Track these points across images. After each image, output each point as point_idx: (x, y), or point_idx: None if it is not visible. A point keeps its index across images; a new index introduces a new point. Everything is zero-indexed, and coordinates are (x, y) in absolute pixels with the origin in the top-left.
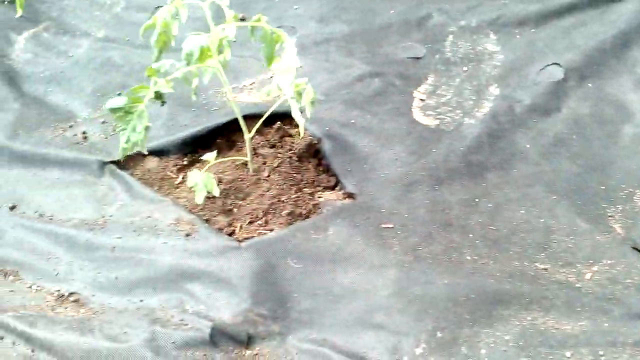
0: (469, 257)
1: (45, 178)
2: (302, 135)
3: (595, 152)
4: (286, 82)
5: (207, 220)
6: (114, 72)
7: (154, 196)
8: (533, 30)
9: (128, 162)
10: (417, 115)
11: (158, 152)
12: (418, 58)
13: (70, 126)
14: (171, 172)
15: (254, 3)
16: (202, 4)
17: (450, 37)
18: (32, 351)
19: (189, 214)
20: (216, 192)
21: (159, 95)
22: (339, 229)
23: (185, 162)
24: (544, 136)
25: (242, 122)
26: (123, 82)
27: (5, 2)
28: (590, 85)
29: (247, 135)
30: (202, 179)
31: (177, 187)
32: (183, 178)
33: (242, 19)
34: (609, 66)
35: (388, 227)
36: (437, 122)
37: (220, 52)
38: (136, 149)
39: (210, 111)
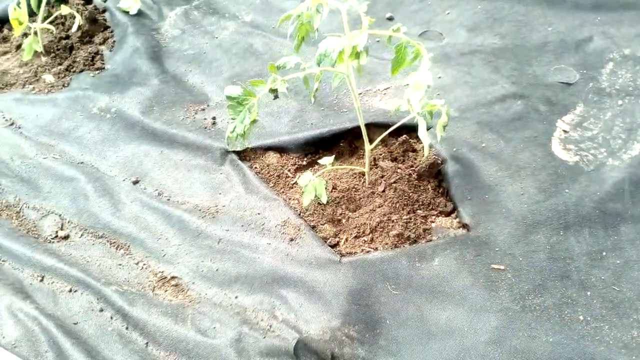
0: (581, 317)
1: (170, 158)
2: (425, 155)
3: None
4: (415, 98)
5: (313, 227)
6: (254, 59)
7: (267, 193)
8: None
9: (249, 154)
10: (556, 147)
11: (280, 149)
12: (569, 84)
13: (203, 109)
14: (289, 170)
15: (405, 4)
16: (340, 6)
17: (610, 65)
18: (126, 328)
19: (298, 218)
20: (324, 199)
21: (273, 90)
22: (446, 261)
23: (304, 162)
24: None
25: (364, 132)
26: (261, 70)
27: None
28: None
29: (368, 147)
30: (313, 183)
31: (292, 187)
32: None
33: (390, 18)
34: None
35: (499, 269)
36: (577, 158)
37: (356, 57)
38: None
39: (339, 113)
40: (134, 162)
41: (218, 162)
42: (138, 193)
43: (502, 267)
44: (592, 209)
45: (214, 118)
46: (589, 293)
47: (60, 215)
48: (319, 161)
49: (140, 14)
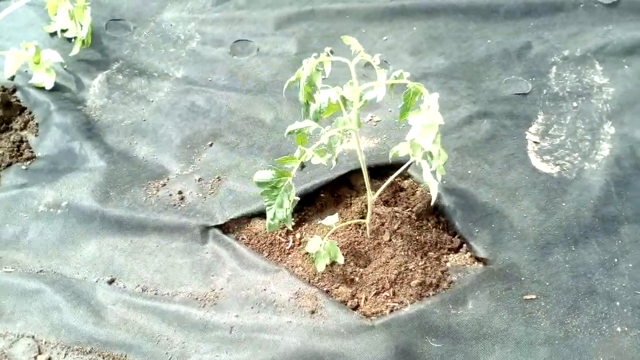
0: (619, 329)
1: (144, 246)
2: (434, 200)
3: None
4: (427, 140)
5: (327, 292)
6: (201, 118)
7: (266, 265)
8: None
9: (232, 226)
10: (535, 161)
11: (263, 214)
12: (525, 94)
13: (164, 184)
14: (280, 235)
15: (341, 35)
16: (349, 62)
17: (554, 69)
18: None
19: (309, 286)
20: (341, 259)
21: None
22: (479, 302)
23: (293, 223)
24: None
25: (367, 185)
26: (213, 130)
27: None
28: None
29: (371, 198)
30: (326, 246)
31: (289, 253)
32: (294, 242)
33: (331, 52)
34: None
35: (531, 298)
36: (558, 168)
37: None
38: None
39: (310, 163)
40: (102, 259)
41: (200, 240)
42: (118, 293)
43: (533, 297)
44: (592, 218)
45: (180, 192)
46: (617, 303)
47: (33, 337)
48: (321, 222)
49: (57, 88)
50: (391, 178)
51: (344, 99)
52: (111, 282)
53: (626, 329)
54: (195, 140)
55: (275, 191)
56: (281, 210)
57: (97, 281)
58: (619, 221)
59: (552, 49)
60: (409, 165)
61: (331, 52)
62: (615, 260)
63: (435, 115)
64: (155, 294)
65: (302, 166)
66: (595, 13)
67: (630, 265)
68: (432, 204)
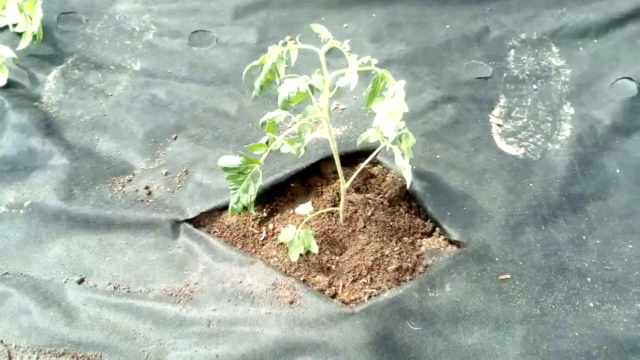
0: (592, 304)
1: (112, 243)
2: (408, 184)
3: None
4: (390, 126)
5: (304, 281)
6: (164, 111)
7: (240, 257)
8: (595, 40)
9: (203, 219)
10: (500, 143)
11: None
12: (486, 78)
13: (129, 180)
14: (253, 227)
15: (300, 23)
16: (318, 50)
17: (512, 52)
18: None
19: (286, 276)
20: (315, 249)
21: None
22: (456, 284)
23: (265, 214)
24: (631, 158)
25: (340, 172)
26: (177, 123)
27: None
28: None
29: (344, 186)
30: (300, 235)
31: (263, 244)
32: (267, 233)
33: (291, 40)
34: None
35: (506, 278)
36: (523, 150)
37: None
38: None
39: (279, 152)
40: (70, 258)
41: (171, 235)
42: (89, 293)
43: (508, 276)
44: (559, 197)
45: (147, 187)
46: (588, 279)
47: (2, 341)
48: (296, 210)
49: (11, 84)
50: (363, 164)
51: (312, 87)
52: (81, 281)
53: (598, 303)
54: (159, 133)
55: (241, 177)
56: (245, 195)
57: (65, 281)
58: (585, 199)
59: (509, 33)
60: (378, 152)
61: (295, 40)
62: (584, 237)
63: (400, 102)
64: (128, 291)
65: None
66: None
67: (598, 241)
68: (407, 188)
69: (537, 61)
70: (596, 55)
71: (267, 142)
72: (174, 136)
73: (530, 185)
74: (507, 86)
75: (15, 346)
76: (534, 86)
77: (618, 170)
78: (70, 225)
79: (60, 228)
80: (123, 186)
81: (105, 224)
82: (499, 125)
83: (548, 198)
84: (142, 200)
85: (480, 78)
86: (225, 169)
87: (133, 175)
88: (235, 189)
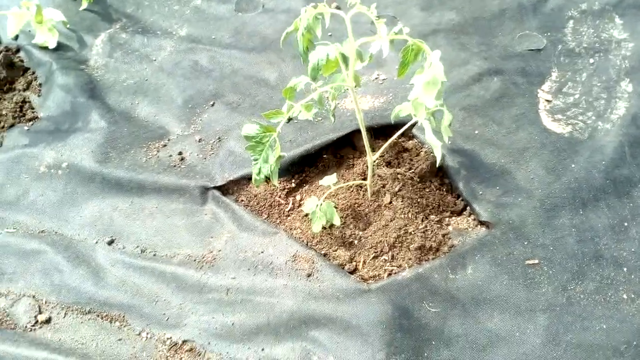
0: (625, 296)
1: (143, 207)
2: (439, 161)
3: None
4: (429, 97)
5: (325, 255)
6: (204, 78)
7: (264, 227)
8: None
9: (232, 187)
10: (546, 120)
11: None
12: (539, 50)
13: (164, 145)
14: (280, 197)
15: None
16: (345, 15)
17: (571, 23)
18: None
19: (307, 249)
20: (337, 221)
21: (290, 118)
22: (479, 266)
23: (293, 185)
24: None
25: (367, 145)
26: (215, 89)
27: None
28: None
29: (371, 159)
30: (322, 208)
31: (288, 215)
32: (293, 204)
33: (337, 8)
34: None
35: (534, 263)
36: (570, 128)
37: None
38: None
39: (313, 123)
40: (102, 220)
41: (199, 202)
42: (118, 254)
43: (536, 261)
44: (602, 180)
45: (180, 153)
46: (625, 269)
47: (34, 296)
48: (320, 182)
49: (60, 47)
50: (391, 139)
51: (343, 56)
52: (111, 242)
53: (632, 295)
54: (197, 100)
55: (260, 146)
56: (266, 165)
57: (97, 242)
58: (632, 183)
59: (569, 2)
60: (411, 126)
61: (337, 7)
62: (625, 224)
63: (438, 72)
64: (154, 255)
65: (289, 120)
66: None
67: None
68: (437, 165)
69: (596, 33)
70: None
71: (286, 110)
72: (211, 103)
73: (573, 166)
74: (561, 59)
75: (45, 301)
76: (591, 60)
77: None
78: (104, 187)
79: (95, 190)
80: (158, 151)
81: (137, 187)
82: (547, 100)
83: (590, 180)
84: (174, 166)
85: (533, 50)
86: (247, 138)
87: (168, 140)
88: (257, 160)
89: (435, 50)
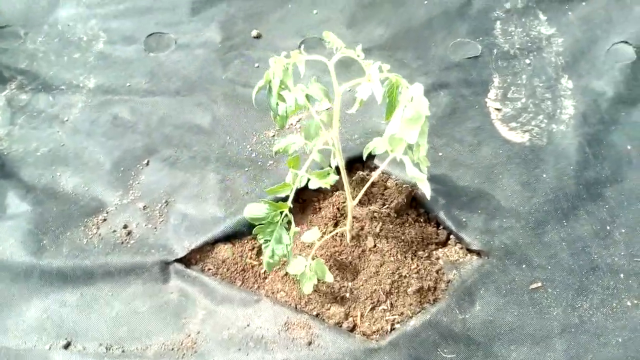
0: (629, 303)
1: (96, 297)
2: (428, 197)
3: None
4: (412, 133)
5: (317, 315)
6: (129, 133)
7: (243, 296)
8: (584, 3)
9: (194, 256)
10: (504, 131)
11: (228, 237)
12: (476, 57)
13: (104, 220)
14: (251, 258)
15: (266, 14)
16: (328, 62)
17: (499, 25)
18: None
19: (297, 313)
20: (330, 278)
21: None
22: (486, 301)
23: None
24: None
25: (347, 189)
26: (146, 145)
27: None
28: None
29: (351, 203)
30: (312, 267)
31: (265, 277)
32: None
33: (258, 36)
34: None
35: (537, 287)
36: (527, 136)
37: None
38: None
39: (266, 169)
40: (51, 320)
41: (160, 280)
42: (79, 357)
43: (539, 284)
44: (575, 186)
45: (125, 226)
46: (621, 275)
47: None
48: (302, 239)
49: None
50: (372, 178)
51: (309, 97)
52: (67, 346)
53: (635, 301)
54: (128, 160)
55: (271, 227)
56: (280, 246)
57: (50, 348)
58: (601, 184)
59: (493, 3)
60: (371, 157)
61: (258, 35)
62: (608, 227)
63: (422, 108)
64: (123, 351)
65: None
66: None
67: (623, 230)
68: (429, 198)
69: (525, 32)
70: (587, 20)
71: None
72: (145, 161)
73: (544, 176)
74: (499, 63)
75: None
76: (527, 61)
77: (629, 147)
78: (44, 282)
79: (34, 287)
80: (98, 228)
81: (84, 275)
82: (497, 109)
83: (564, 188)
84: (121, 243)
85: (470, 58)
86: (254, 220)
87: (107, 213)
88: (267, 242)
89: (416, 84)
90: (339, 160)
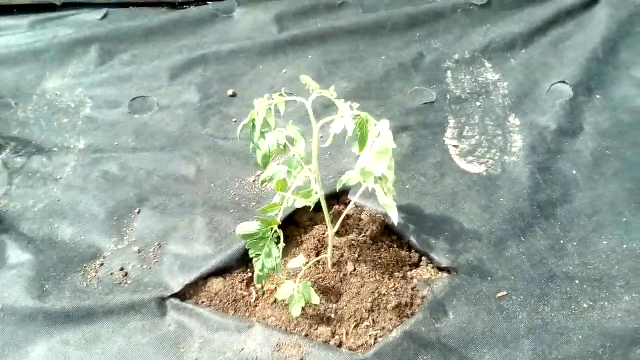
0: (585, 305)
1: (98, 335)
2: (396, 222)
3: (634, 161)
4: (381, 166)
5: (306, 336)
6: (120, 186)
7: (236, 323)
8: (523, 50)
9: (188, 291)
10: (461, 163)
11: (219, 272)
12: (431, 102)
13: (101, 264)
14: (241, 289)
15: (239, 76)
16: (305, 101)
17: (449, 73)
18: None
19: (288, 335)
20: (316, 300)
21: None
22: (458, 310)
23: (250, 274)
24: (582, 157)
25: (328, 220)
26: (136, 196)
27: None
28: (598, 96)
29: (331, 231)
30: (300, 290)
31: (256, 305)
32: (257, 292)
33: (233, 95)
34: (608, 74)
35: (503, 295)
36: (484, 167)
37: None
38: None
39: (249, 209)
40: (55, 359)
41: (158, 314)
42: None
43: (504, 293)
44: (530, 207)
45: (121, 269)
46: (576, 281)
47: None
48: (288, 265)
49: None
50: (348, 208)
51: (290, 139)
52: None
53: (590, 303)
54: (121, 210)
55: (262, 241)
56: (270, 259)
57: None
58: (552, 204)
59: (442, 55)
60: (344, 192)
61: (234, 94)
62: (561, 241)
63: (388, 141)
64: None
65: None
66: (472, 15)
67: (575, 243)
68: (396, 224)
69: (474, 78)
70: (527, 65)
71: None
72: (137, 210)
73: (501, 200)
74: (452, 107)
75: None
76: (477, 103)
77: (574, 171)
78: (48, 323)
79: (38, 328)
80: (96, 272)
81: (86, 315)
82: (454, 146)
83: (520, 209)
84: (119, 284)
85: (426, 103)
86: (246, 237)
87: (104, 257)
88: (258, 256)
89: (382, 120)
90: (319, 189)
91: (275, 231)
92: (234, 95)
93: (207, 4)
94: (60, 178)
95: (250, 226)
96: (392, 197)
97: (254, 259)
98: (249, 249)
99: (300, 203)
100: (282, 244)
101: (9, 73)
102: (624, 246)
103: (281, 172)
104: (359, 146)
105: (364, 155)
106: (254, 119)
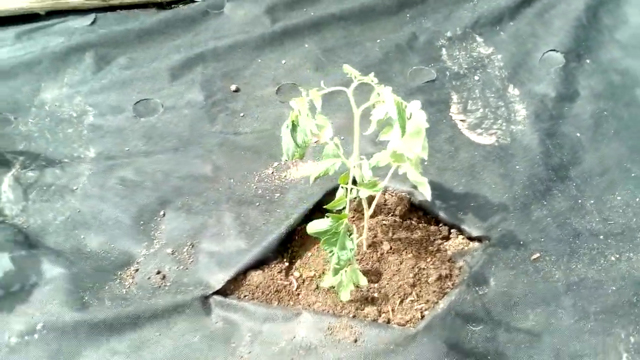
0: (613, 258)
1: (145, 340)
2: (429, 198)
3: (631, 119)
4: (417, 146)
5: (354, 317)
6: (139, 191)
7: (283, 313)
8: (511, 22)
9: (228, 287)
10: (472, 136)
11: (256, 265)
12: (432, 80)
13: (136, 270)
14: (281, 280)
15: (240, 70)
16: (347, 90)
17: (444, 51)
18: None
19: (337, 318)
20: (364, 282)
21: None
22: (499, 277)
23: (286, 264)
24: (583, 120)
25: (365, 205)
26: (159, 197)
27: None
28: (588, 61)
29: (367, 214)
30: (348, 274)
31: (298, 294)
32: (297, 281)
33: (237, 90)
34: (594, 39)
35: (537, 257)
36: (494, 138)
37: None
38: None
39: (275, 201)
40: None
41: (203, 313)
42: None
43: (538, 255)
44: (545, 171)
45: (158, 272)
46: (601, 237)
47: None
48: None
49: None
50: (379, 190)
51: (320, 127)
52: None
53: (617, 255)
54: (146, 215)
55: (335, 236)
56: (344, 252)
57: None
58: (565, 167)
59: (435, 34)
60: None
61: (237, 89)
62: (580, 201)
63: (421, 122)
64: None
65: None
66: None
67: (592, 201)
68: (429, 199)
69: (468, 54)
70: (517, 36)
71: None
72: (162, 213)
73: (517, 167)
74: (453, 83)
75: None
76: (476, 77)
77: (578, 134)
78: (92, 335)
79: (83, 341)
80: (133, 278)
81: (130, 322)
82: (462, 121)
83: (537, 175)
84: (159, 287)
85: (428, 82)
86: (319, 234)
87: (138, 263)
88: (332, 250)
89: (413, 101)
90: (366, 171)
91: (347, 224)
92: (237, 90)
93: (196, 1)
94: (77, 189)
95: (321, 224)
96: (418, 172)
97: (329, 255)
98: (324, 246)
99: (364, 193)
100: (355, 236)
101: (2, 87)
102: (637, 199)
103: (335, 164)
104: (402, 131)
105: (394, 138)
106: (296, 118)
